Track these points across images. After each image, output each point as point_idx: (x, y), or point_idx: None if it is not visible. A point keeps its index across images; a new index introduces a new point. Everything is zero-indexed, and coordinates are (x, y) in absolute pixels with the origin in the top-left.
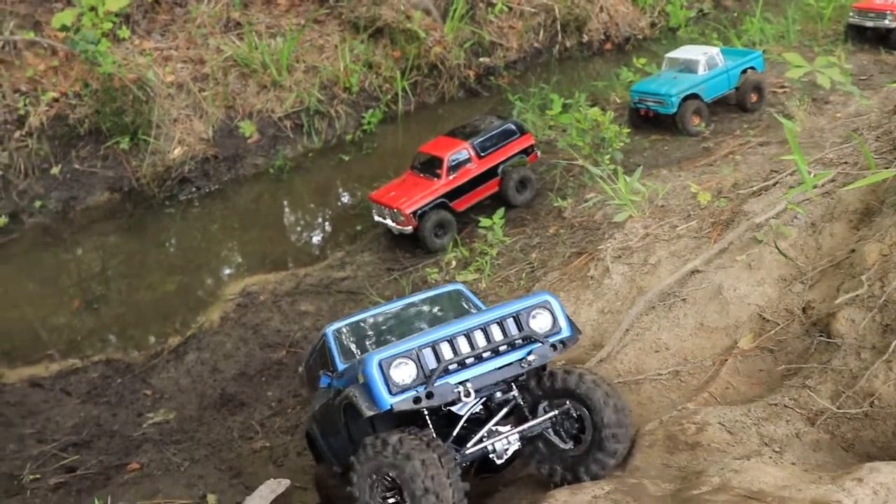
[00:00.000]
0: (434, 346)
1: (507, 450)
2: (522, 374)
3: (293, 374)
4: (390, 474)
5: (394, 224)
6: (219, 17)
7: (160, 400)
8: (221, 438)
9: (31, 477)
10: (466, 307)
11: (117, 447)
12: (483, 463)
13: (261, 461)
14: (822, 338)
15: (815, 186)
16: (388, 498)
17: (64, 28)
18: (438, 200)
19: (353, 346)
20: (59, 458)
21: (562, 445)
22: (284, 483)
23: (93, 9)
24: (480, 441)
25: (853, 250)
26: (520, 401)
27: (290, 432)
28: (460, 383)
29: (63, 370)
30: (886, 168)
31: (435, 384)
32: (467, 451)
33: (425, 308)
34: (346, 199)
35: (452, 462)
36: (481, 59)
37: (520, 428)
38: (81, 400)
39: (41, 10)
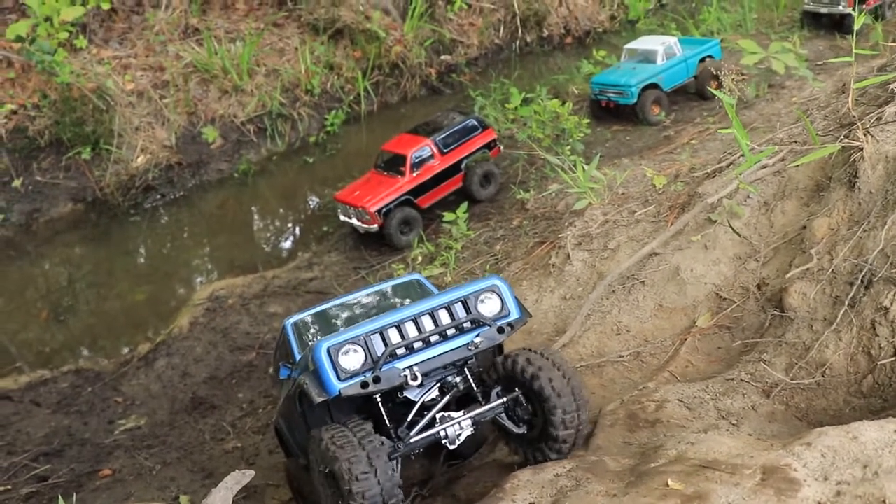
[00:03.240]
0: (382, 332)
1: (459, 435)
2: (470, 358)
3: (263, 375)
4: (325, 466)
5: (359, 223)
6: (177, 24)
7: (131, 406)
8: (193, 441)
9: (2, 488)
10: (424, 296)
11: (89, 455)
12: (450, 450)
13: (233, 461)
14: (776, 312)
15: (765, 165)
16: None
17: (19, 39)
18: (403, 198)
19: (311, 338)
20: (31, 469)
21: (515, 430)
22: (249, 474)
23: (48, 19)
24: (429, 427)
25: (804, 227)
26: (472, 384)
27: (262, 432)
28: (407, 367)
29: (32, 382)
30: (832, 144)
31: (382, 369)
32: (416, 438)
33: (383, 298)
34: (311, 200)
35: (374, 442)
36: (442, 57)
37: (471, 413)
38: (52, 410)
39: None
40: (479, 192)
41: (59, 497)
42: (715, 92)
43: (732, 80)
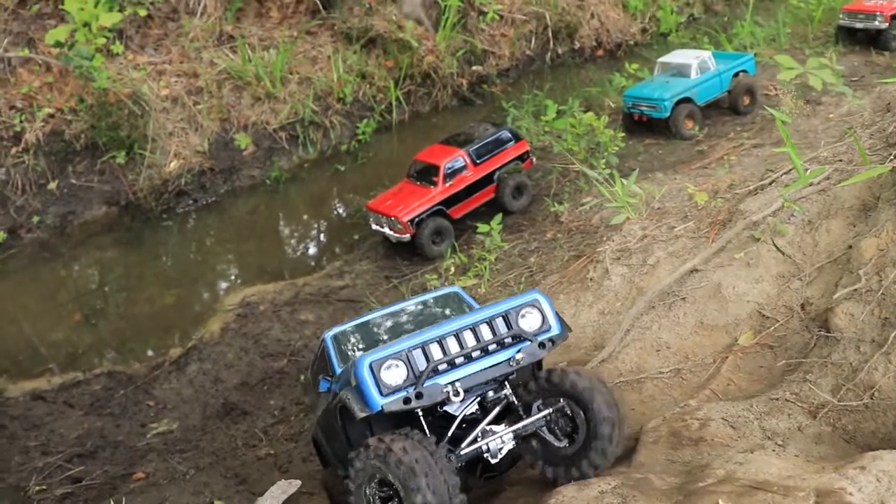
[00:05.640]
0: (424, 347)
1: (500, 449)
2: (511, 373)
3: (295, 382)
4: (383, 477)
5: (391, 232)
6: (211, 31)
7: (163, 410)
8: (225, 447)
9: (38, 488)
10: (463, 309)
11: (122, 457)
12: (487, 464)
13: (266, 468)
14: (821, 333)
15: (810, 184)
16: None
17: (58, 44)
18: (435, 208)
19: (351, 350)
20: (65, 470)
21: (556, 444)
22: (295, 484)
23: (86, 24)
24: (475, 441)
25: (850, 246)
26: (513, 399)
27: (294, 439)
28: (450, 383)
29: (65, 383)
30: (881, 164)
31: (424, 384)
32: (462, 451)
33: (423, 311)
34: (342, 208)
35: (442, 455)
36: (474, 68)
37: (514, 427)
38: (85, 412)
39: (34, 26)
40: (511, 204)
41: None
42: (771, 110)
43: (792, 99)
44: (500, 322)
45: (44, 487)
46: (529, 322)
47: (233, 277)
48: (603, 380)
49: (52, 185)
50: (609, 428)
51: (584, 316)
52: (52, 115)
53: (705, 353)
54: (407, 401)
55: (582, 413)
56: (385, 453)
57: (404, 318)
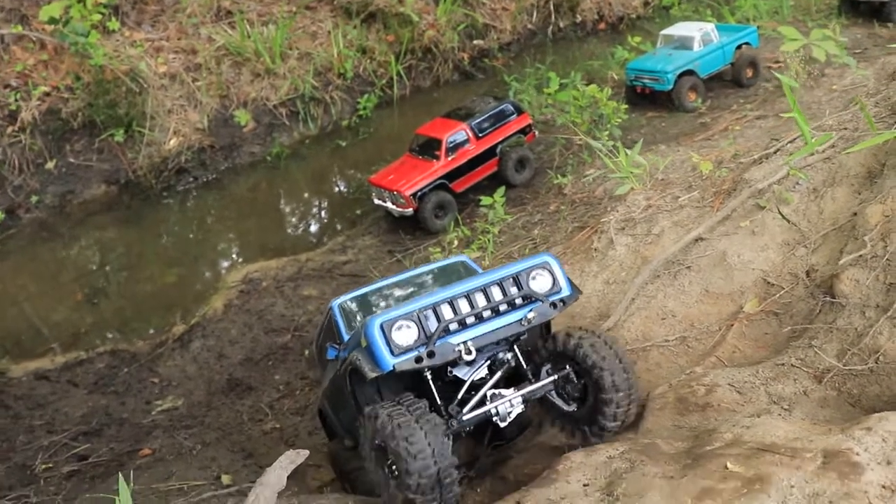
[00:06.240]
0: (435, 308)
1: (510, 412)
2: (523, 333)
3: (299, 357)
4: (381, 442)
5: (394, 207)
6: (209, 6)
7: (168, 387)
8: (231, 422)
9: (44, 466)
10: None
11: (128, 434)
12: (496, 432)
13: (272, 442)
14: (826, 299)
15: (816, 152)
16: (392, 466)
17: (52, 21)
18: (438, 182)
19: (358, 318)
20: (71, 448)
21: (565, 408)
22: (304, 453)
23: (80, 0)
24: (483, 404)
25: (855, 213)
26: (521, 362)
27: (300, 413)
28: (462, 342)
29: (68, 362)
30: (888, 131)
31: (436, 344)
32: (468, 415)
33: (430, 279)
34: (344, 184)
35: (432, 423)
36: (475, 42)
37: (522, 391)
38: (89, 390)
39: (27, 2)
40: (513, 177)
41: (119, 475)
42: (779, 75)
43: (800, 66)
44: (510, 283)
45: (50, 465)
46: (540, 284)
47: (235, 254)
48: (612, 343)
49: (50, 165)
50: (615, 411)
51: (589, 285)
52: (48, 94)
53: (711, 320)
54: (419, 360)
55: (590, 369)
56: (375, 420)
57: (412, 286)
